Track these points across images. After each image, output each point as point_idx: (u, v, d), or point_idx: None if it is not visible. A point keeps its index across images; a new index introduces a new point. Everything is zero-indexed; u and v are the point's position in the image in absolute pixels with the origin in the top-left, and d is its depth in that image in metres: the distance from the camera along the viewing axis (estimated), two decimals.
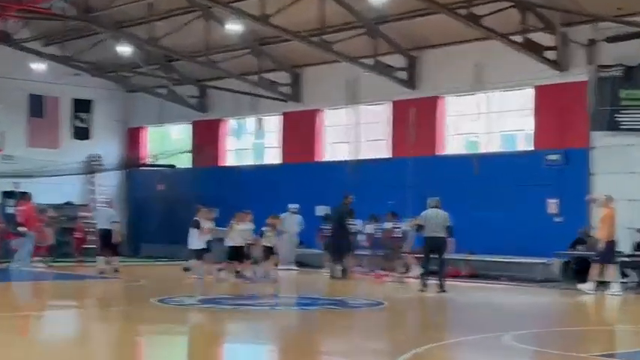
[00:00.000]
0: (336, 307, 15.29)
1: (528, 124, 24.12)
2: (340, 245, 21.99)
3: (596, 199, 18.97)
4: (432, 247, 18.53)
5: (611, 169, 22.05)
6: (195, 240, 20.23)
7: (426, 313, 15.70)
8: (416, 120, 25.94)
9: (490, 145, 25.14)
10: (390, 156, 26.91)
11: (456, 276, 20.96)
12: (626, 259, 20.52)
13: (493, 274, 22.39)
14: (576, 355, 10.12)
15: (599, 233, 18.67)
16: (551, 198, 23.12)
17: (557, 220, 23.00)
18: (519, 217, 23.39)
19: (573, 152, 22.83)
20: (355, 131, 27.84)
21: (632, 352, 10.37)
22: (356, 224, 22.84)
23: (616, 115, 21.62)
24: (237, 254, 20.28)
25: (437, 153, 25.79)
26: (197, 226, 20.24)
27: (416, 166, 25.70)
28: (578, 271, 21.03)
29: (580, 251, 21.02)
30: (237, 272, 20.28)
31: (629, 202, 21.44)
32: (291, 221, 25.02)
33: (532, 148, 23.85)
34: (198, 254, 20.23)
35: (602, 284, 20.60)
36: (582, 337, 12.14)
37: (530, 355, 10.47)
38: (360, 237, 23.14)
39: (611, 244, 18.70)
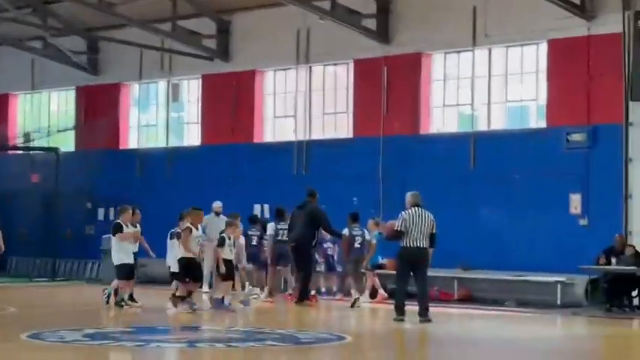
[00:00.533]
0: (282, 344, 15.17)
1: (542, 91, 24.20)
2: (302, 259, 21.98)
3: None
4: (414, 261, 18.35)
5: None
6: (117, 252, 20.12)
7: (406, 352, 15.61)
8: (389, 86, 25.90)
9: (492, 120, 25.20)
10: (352, 135, 26.87)
11: (445, 300, 20.94)
12: None
13: (495, 297, 22.46)
14: None
15: None
16: (573, 193, 23.23)
17: (582, 223, 23.14)
18: (531, 220, 23.52)
19: (603, 129, 22.97)
20: (305, 101, 27.76)
21: None
22: (361, 231, 23.13)
23: None
24: (190, 269, 20.08)
25: (419, 131, 25.81)
26: (119, 231, 20.08)
27: (389, 150, 25.72)
28: (610, 291, 21.16)
29: (614, 265, 21.14)
30: (188, 296, 20.05)
31: None
32: (216, 226, 24.77)
33: (546, 125, 23.97)
34: (122, 271, 20.12)
35: None
36: None
37: None
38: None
39: None
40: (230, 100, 28.86)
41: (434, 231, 18.37)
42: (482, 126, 25.38)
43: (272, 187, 26.83)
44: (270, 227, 23.80)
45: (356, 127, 26.89)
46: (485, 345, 16.26)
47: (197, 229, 20.14)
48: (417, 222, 18.21)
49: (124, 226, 20.30)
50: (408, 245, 18.29)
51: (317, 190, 22.53)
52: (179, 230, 20.23)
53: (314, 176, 26.82)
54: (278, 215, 23.84)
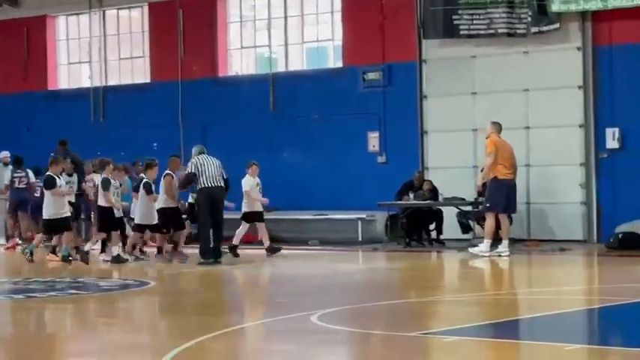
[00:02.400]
0: (82, 292, 15.10)
1: (338, 32, 24.59)
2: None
3: (488, 129, 19.49)
4: (212, 199, 18.57)
5: (448, 88, 22.92)
6: (50, 206, 19.16)
7: (210, 293, 15.77)
8: (185, 29, 25.78)
9: (289, 61, 25.46)
10: (150, 80, 26.69)
11: (248, 242, 21.13)
12: (469, 207, 21.50)
13: (299, 237, 22.75)
14: (399, 334, 10.51)
15: (487, 170, 19.23)
16: (371, 131, 23.76)
17: (380, 160, 23.70)
18: (331, 159, 23.89)
19: (398, 68, 23.53)
20: (100, 47, 27.36)
21: (465, 328, 10.92)
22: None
23: (454, 18, 22.39)
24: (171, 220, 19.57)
25: (218, 74, 25.86)
26: (52, 185, 19.11)
27: (188, 94, 25.64)
28: (409, 226, 21.81)
29: (412, 200, 21.74)
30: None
31: (469, 133, 22.45)
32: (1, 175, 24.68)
33: (343, 65, 24.41)
34: (51, 225, 19.24)
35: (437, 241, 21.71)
36: (409, 312, 12.61)
37: (342, 337, 10.75)
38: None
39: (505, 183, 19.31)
40: (22, 47, 28.10)
41: (225, 176, 18.66)
42: (280, 67, 25.58)
43: (69, 135, 26.30)
44: (7, 175, 23.85)
45: (153, 71, 26.66)
46: (287, 282, 16.59)
47: (173, 177, 19.58)
48: (208, 164, 18.53)
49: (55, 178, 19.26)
50: (205, 185, 18.52)
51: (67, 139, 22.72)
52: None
53: (112, 123, 26.53)
54: (16, 162, 23.88)
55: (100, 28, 27.41)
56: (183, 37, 25.92)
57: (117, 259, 18.96)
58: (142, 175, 19.82)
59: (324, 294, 15.00)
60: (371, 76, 23.74)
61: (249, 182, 20.18)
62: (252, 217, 20.19)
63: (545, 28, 21.65)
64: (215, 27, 25.78)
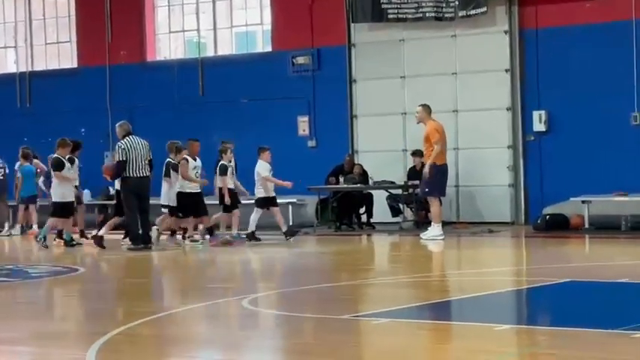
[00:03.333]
0: (10, 279, 14.94)
1: (266, 16, 24.52)
2: None
3: (419, 112, 19.46)
4: (138, 190, 18.36)
5: (377, 72, 22.96)
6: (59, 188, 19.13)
7: (140, 279, 15.67)
8: (112, 13, 25.57)
9: (218, 46, 25.34)
10: (77, 65, 26.41)
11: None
12: (399, 190, 21.60)
13: (229, 222, 22.64)
14: (330, 317, 10.54)
15: (428, 156, 19.24)
16: (301, 115, 23.77)
17: (310, 144, 23.73)
18: (260, 144, 23.75)
19: (328, 52, 23.56)
20: (26, 31, 27.04)
21: (396, 310, 10.99)
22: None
23: (382, 2, 22.43)
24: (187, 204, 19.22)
25: (146, 59, 25.69)
26: (60, 167, 19.01)
27: (116, 79, 25.47)
28: (339, 210, 21.86)
29: (343, 184, 21.78)
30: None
31: (399, 117, 22.57)
32: None
33: (272, 49, 24.36)
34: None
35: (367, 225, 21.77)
36: (340, 295, 12.65)
37: (273, 321, 10.74)
38: None
39: (443, 168, 19.37)
40: None
41: (150, 157, 18.47)
42: (209, 52, 25.46)
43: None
44: None
45: (80, 56, 26.40)
46: (218, 268, 16.54)
47: (195, 159, 19.29)
48: (136, 149, 18.25)
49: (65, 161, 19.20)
50: (131, 175, 18.28)
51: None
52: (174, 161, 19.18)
53: (39, 108, 26.24)
54: None
55: (25, 13, 27.06)
56: (110, 22, 25.69)
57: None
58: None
59: (255, 278, 15.00)
60: (300, 60, 23.73)
61: (266, 168, 19.84)
62: (266, 203, 19.85)
63: (472, 12, 21.77)
64: (143, 11, 25.59)
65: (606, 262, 15.28)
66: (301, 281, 14.00)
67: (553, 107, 21.49)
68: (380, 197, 22.04)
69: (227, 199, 19.29)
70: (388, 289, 13.26)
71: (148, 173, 18.39)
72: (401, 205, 21.85)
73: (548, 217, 20.28)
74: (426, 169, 18.90)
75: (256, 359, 9.04)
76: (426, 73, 22.49)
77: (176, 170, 19.05)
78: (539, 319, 10.76)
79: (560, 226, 20.05)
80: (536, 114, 21.58)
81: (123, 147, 18.33)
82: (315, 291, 12.90)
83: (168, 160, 19.20)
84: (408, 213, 21.87)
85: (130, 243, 18.60)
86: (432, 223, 19.17)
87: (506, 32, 21.83)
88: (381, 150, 22.69)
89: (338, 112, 23.33)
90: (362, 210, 22.25)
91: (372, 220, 22.08)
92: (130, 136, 18.46)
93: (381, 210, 22.05)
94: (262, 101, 24.01)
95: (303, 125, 23.84)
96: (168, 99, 24.88)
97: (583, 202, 19.96)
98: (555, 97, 21.42)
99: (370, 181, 21.93)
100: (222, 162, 19.49)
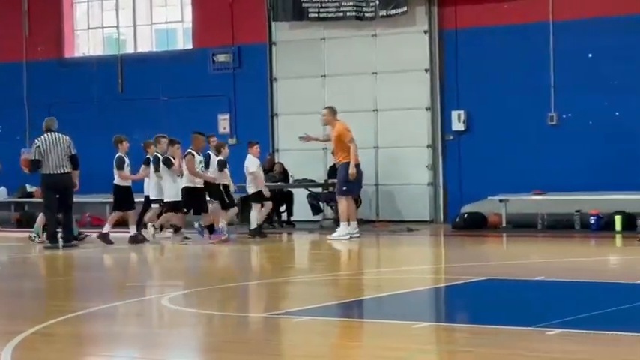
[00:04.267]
0: None
1: (187, 13, 24.43)
2: None
3: (325, 115, 19.43)
4: (57, 187, 18.16)
5: (298, 71, 23.01)
6: None
7: (59, 277, 15.52)
8: (30, 9, 25.28)
9: (138, 43, 25.18)
10: None
11: (98, 225, 20.86)
12: (319, 189, 21.66)
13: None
14: (250, 315, 10.55)
15: (339, 156, 19.25)
16: (222, 113, 23.72)
17: (231, 142, 23.60)
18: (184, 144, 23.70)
19: (248, 50, 23.53)
20: None
21: (316, 308, 11.05)
22: None
23: (303, 0, 22.46)
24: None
25: (64, 55, 25.43)
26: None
27: (34, 75, 25.17)
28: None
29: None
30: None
31: (319, 116, 22.56)
32: None
33: (193, 47, 24.28)
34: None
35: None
36: (260, 293, 12.70)
37: (193, 319, 10.72)
38: None
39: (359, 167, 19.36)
40: None
41: (73, 152, 18.24)
42: (129, 49, 25.29)
43: None
44: None
45: None
46: (138, 266, 16.47)
47: (199, 154, 19.09)
48: (52, 147, 18.02)
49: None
50: (49, 172, 18.07)
51: None
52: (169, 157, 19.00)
53: None
54: None
55: None
56: (28, 17, 25.36)
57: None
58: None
59: (175, 277, 14.94)
60: (221, 58, 23.68)
61: (255, 163, 19.76)
62: (262, 197, 19.75)
63: (392, 12, 21.90)
64: (61, 7, 25.34)
65: (523, 260, 15.49)
66: (222, 279, 13.98)
67: (472, 107, 21.71)
68: (300, 196, 22.07)
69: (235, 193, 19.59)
70: (308, 287, 13.30)
71: (67, 170, 18.14)
72: (321, 204, 21.91)
73: (466, 215, 20.49)
74: (352, 170, 18.87)
75: (176, 357, 9.00)
76: (346, 72, 22.57)
77: (167, 165, 18.93)
78: (458, 316, 10.88)
79: (478, 225, 20.28)
80: (455, 114, 21.78)
81: (38, 145, 18.09)
82: (236, 289, 12.90)
83: (156, 154, 19.20)
84: (328, 211, 21.93)
85: (48, 241, 18.37)
86: (341, 222, 19.19)
87: (425, 32, 22.00)
88: (302, 148, 22.68)
89: (258, 111, 23.32)
90: (282, 208, 22.26)
91: (292, 219, 22.10)
92: (49, 133, 18.21)
93: (301, 208, 22.08)
94: (182, 99, 23.91)
95: (223, 123, 23.78)
96: (87, 96, 24.64)
97: (501, 201, 20.20)
98: (474, 97, 21.64)
99: (290, 180, 21.95)
100: (219, 158, 19.47)
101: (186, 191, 19.02)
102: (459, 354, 8.63)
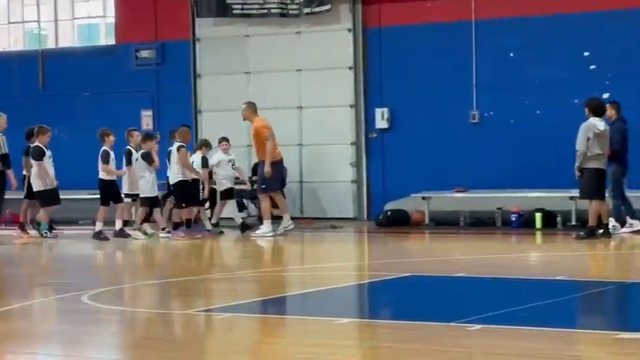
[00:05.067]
0: None
1: (110, 9, 24.27)
2: None
3: (244, 110, 19.35)
4: None
5: (222, 68, 22.97)
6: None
7: None
8: None
9: (60, 38, 24.95)
10: None
11: (16, 222, 20.64)
12: (244, 186, 21.62)
13: (70, 217, 22.34)
14: (173, 312, 10.54)
15: (259, 154, 19.20)
16: (145, 109, 23.60)
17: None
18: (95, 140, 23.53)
19: (172, 46, 23.44)
20: None
21: (239, 305, 11.08)
22: None
23: None
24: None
25: None
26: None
27: None
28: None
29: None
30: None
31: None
32: None
33: (115, 42, 24.12)
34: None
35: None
36: (184, 290, 12.66)
37: (114, 317, 10.68)
38: None
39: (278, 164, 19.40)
40: None
41: (5, 151, 18.12)
42: (50, 44, 25.03)
43: None
44: None
45: None
46: (57, 263, 16.34)
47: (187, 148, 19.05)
48: None
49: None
50: None
51: None
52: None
53: None
54: None
55: None
56: None
57: None
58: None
59: (96, 274, 14.85)
60: (144, 54, 23.55)
61: (217, 157, 19.97)
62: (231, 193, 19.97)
63: (316, 9, 21.96)
64: None
65: (445, 257, 15.66)
66: (144, 276, 13.93)
67: (395, 105, 21.85)
68: None
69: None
70: (231, 283, 13.31)
71: None
72: (245, 201, 21.87)
73: (389, 212, 20.63)
74: (267, 169, 18.84)
75: (97, 355, 8.95)
76: (270, 69, 22.58)
77: (146, 160, 18.88)
78: (380, 312, 10.97)
79: (401, 222, 20.43)
80: (378, 111, 21.90)
81: None
82: (159, 286, 12.87)
83: (129, 147, 19.21)
84: (252, 209, 21.91)
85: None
86: (264, 220, 19.18)
87: (349, 30, 22.09)
88: None
89: (182, 107, 23.20)
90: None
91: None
92: None
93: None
94: (105, 95, 23.74)
95: (146, 119, 23.65)
96: (6, 91, 24.27)
97: (423, 198, 20.37)
98: (397, 95, 21.78)
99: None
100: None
101: (182, 184, 19.08)
102: (380, 350, 8.71)
